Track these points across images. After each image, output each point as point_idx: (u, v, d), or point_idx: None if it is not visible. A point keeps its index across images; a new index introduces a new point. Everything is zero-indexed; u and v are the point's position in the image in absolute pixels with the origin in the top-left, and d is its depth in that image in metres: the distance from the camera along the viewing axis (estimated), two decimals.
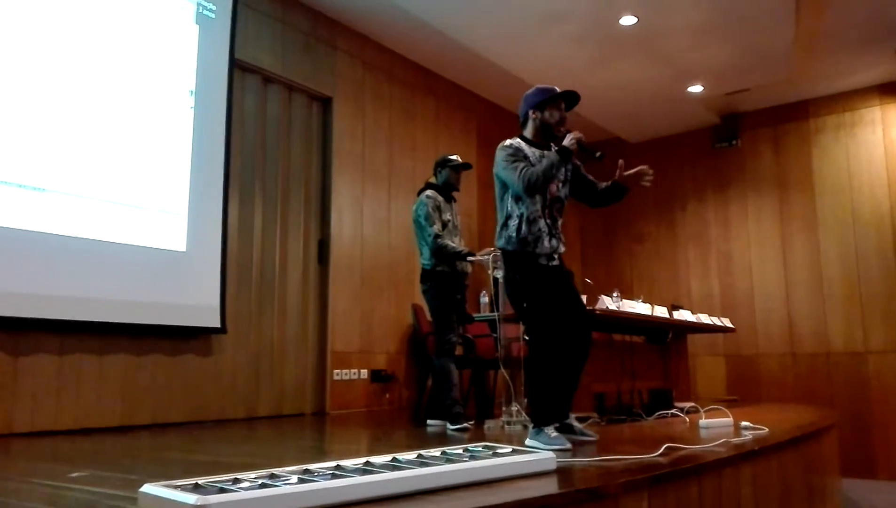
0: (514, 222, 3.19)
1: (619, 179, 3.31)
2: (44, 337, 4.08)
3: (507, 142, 3.29)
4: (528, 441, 3.01)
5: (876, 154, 7.35)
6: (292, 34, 5.73)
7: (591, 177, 3.44)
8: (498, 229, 3.28)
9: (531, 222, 3.18)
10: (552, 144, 3.30)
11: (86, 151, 4.27)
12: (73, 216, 4.16)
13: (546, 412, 3.04)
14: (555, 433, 2.99)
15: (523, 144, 3.29)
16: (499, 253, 4.26)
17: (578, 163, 3.42)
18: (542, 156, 3.23)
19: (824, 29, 6.22)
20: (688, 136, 8.57)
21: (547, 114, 3.30)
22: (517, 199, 3.21)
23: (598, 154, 3.26)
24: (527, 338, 3.30)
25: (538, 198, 3.21)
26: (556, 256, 3.26)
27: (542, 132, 3.33)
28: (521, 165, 3.15)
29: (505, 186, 3.26)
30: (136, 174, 4.52)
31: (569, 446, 2.93)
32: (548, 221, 3.23)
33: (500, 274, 4.30)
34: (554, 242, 3.24)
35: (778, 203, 7.88)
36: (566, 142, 3.19)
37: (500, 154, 3.26)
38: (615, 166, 3.33)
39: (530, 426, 3.11)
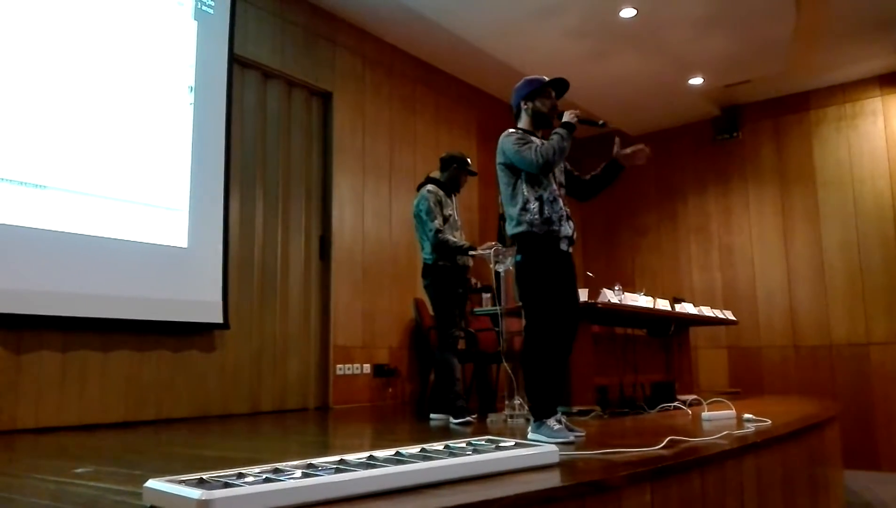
0: (534, 206, 3.15)
1: (616, 156, 3.38)
2: (47, 334, 4.09)
3: (511, 130, 3.30)
4: (530, 435, 3.01)
5: (877, 145, 7.34)
6: (291, 29, 5.72)
7: (576, 172, 3.51)
8: (514, 216, 3.20)
9: (552, 202, 3.20)
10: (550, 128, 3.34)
11: (86, 148, 4.27)
12: (75, 213, 4.17)
13: (546, 404, 3.04)
14: (557, 426, 2.98)
15: (526, 133, 3.31)
16: (500, 247, 4.31)
17: (568, 166, 3.48)
18: (542, 143, 3.23)
19: (824, 20, 6.20)
20: (688, 128, 8.55)
21: (539, 103, 3.33)
22: (532, 183, 3.19)
23: (600, 122, 3.41)
24: (524, 330, 3.26)
25: (552, 179, 3.25)
26: (573, 241, 3.27)
27: (536, 121, 3.35)
28: (534, 144, 3.17)
29: (516, 174, 3.22)
30: (136, 171, 4.52)
31: (571, 438, 2.93)
32: (564, 203, 3.28)
33: (501, 268, 4.32)
34: (572, 224, 3.27)
35: (779, 195, 7.87)
36: (567, 117, 3.27)
37: (506, 141, 3.24)
38: (612, 145, 3.38)
39: (531, 419, 3.12)
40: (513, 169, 3.23)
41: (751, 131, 8.13)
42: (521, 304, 3.34)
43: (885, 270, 7.12)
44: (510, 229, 3.25)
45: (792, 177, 7.81)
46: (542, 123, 3.35)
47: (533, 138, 3.25)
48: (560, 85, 3.37)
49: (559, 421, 3.03)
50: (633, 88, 7.47)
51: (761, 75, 7.27)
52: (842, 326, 7.29)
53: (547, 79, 3.35)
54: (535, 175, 3.19)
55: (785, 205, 7.82)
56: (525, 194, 3.18)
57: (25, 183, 3.97)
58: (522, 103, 3.36)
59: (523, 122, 3.37)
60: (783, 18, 6.00)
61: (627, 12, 5.90)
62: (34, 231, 3.98)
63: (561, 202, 3.25)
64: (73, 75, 4.25)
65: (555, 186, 3.26)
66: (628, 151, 3.36)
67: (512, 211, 3.22)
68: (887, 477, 6.57)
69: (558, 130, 3.21)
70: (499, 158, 3.29)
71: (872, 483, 6.19)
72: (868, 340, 7.12)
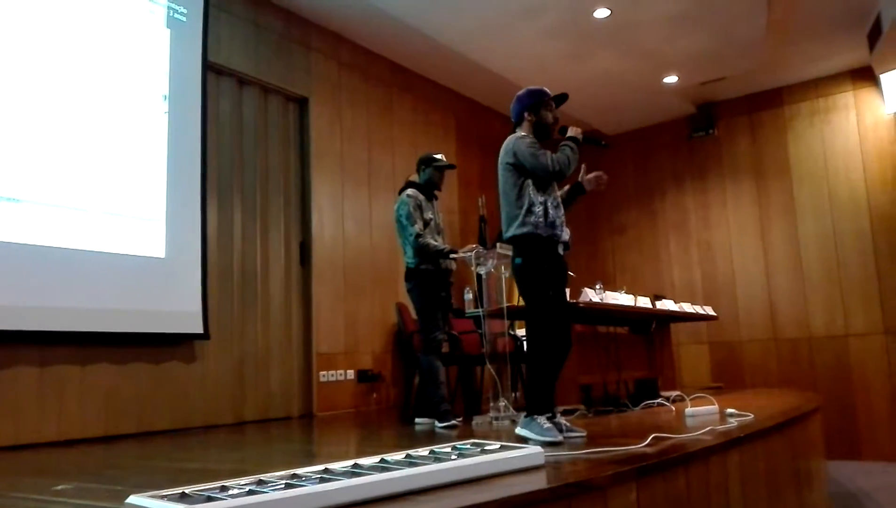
0: (539, 209, 3.22)
1: (582, 181, 3.58)
2: (24, 349, 4.02)
3: (522, 133, 3.37)
4: (518, 430, 3.02)
5: (850, 139, 7.43)
6: (265, 35, 5.68)
7: None
8: (519, 217, 3.24)
9: (556, 207, 3.30)
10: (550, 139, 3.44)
11: (61, 160, 4.21)
12: (50, 226, 4.10)
13: (543, 401, 3.07)
14: (547, 424, 2.99)
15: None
16: (481, 249, 4.31)
17: None
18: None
19: (796, 16, 6.27)
20: (665, 126, 8.62)
21: (542, 114, 3.41)
22: (539, 187, 3.26)
23: (602, 142, 3.59)
24: (526, 329, 3.33)
25: (555, 186, 3.35)
26: (568, 246, 3.36)
27: (538, 131, 3.40)
28: (548, 151, 3.25)
29: (523, 176, 3.27)
30: (112, 182, 4.46)
31: (560, 438, 2.94)
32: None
33: (483, 271, 4.32)
34: (568, 230, 3.36)
35: (756, 190, 7.95)
36: (572, 133, 3.38)
37: (520, 143, 3.29)
38: (613, 155, 3.48)
39: (522, 414, 3.13)
40: (521, 170, 3.28)
41: (726, 128, 8.21)
42: (524, 304, 3.38)
43: (861, 262, 7.21)
44: (511, 230, 3.27)
45: (768, 172, 7.89)
46: (543, 134, 3.41)
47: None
48: (560, 100, 3.45)
49: (552, 421, 3.04)
50: (610, 87, 7.51)
51: (735, 72, 7.34)
52: (820, 318, 7.37)
53: (548, 91, 3.44)
54: (543, 180, 3.28)
55: (761, 200, 7.90)
56: (531, 196, 3.24)
57: None
58: (526, 113, 3.42)
59: (525, 130, 3.42)
60: (756, 15, 6.07)
61: (602, 13, 5.93)
62: (9, 246, 3.91)
63: (562, 208, 3.37)
64: (46, 86, 4.19)
65: (557, 193, 3.36)
66: (591, 176, 3.55)
67: (515, 212, 3.26)
68: (869, 467, 6.65)
69: (569, 143, 3.32)
70: (507, 159, 3.32)
71: (854, 473, 6.26)
72: (846, 332, 7.21)
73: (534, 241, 3.22)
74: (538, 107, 3.40)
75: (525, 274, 3.25)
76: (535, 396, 3.09)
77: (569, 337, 3.31)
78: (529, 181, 3.25)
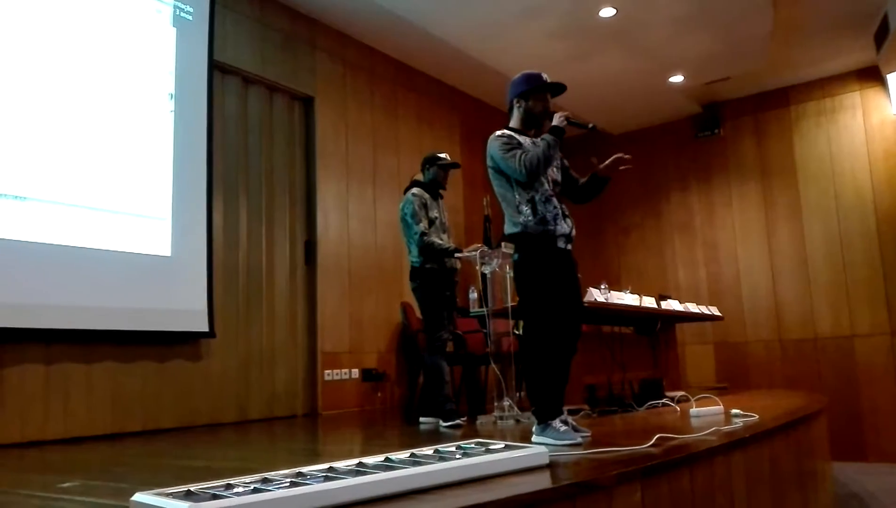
0: (527, 208, 3.13)
1: (598, 172, 3.32)
2: (30, 347, 4.04)
3: (498, 132, 3.26)
4: (535, 438, 2.94)
5: (857, 139, 7.41)
6: (271, 34, 5.69)
7: (575, 174, 3.44)
8: (508, 217, 3.19)
9: (545, 201, 3.16)
10: (541, 129, 3.31)
11: (67, 158, 4.23)
12: (56, 224, 4.12)
13: (551, 406, 2.99)
14: (564, 427, 2.92)
15: (514, 134, 3.26)
16: (486, 248, 4.31)
17: (566, 164, 3.43)
18: (534, 143, 3.20)
19: (802, 16, 6.25)
20: (670, 126, 8.60)
21: (531, 103, 3.29)
22: (523, 186, 3.16)
23: (590, 125, 3.31)
24: (521, 330, 3.25)
25: (543, 180, 3.20)
26: (571, 238, 3.23)
27: (527, 120, 3.31)
28: (519, 151, 3.14)
29: (505, 176, 3.20)
30: (118, 180, 4.48)
31: (579, 440, 2.87)
32: (558, 202, 3.23)
33: (487, 270, 4.32)
34: (569, 221, 3.23)
35: (761, 191, 7.93)
36: (556, 121, 3.22)
37: (493, 145, 3.21)
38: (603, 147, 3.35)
39: (535, 422, 3.04)
40: (503, 172, 3.20)
41: (732, 128, 8.19)
42: (520, 302, 3.30)
43: (867, 263, 7.19)
44: (507, 230, 3.22)
45: (774, 172, 7.87)
46: (533, 124, 3.32)
47: (521, 140, 3.21)
48: (557, 89, 3.32)
49: (565, 422, 2.97)
50: (615, 87, 7.50)
51: (741, 72, 7.32)
52: (826, 319, 7.35)
53: (546, 77, 3.29)
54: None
55: (767, 200, 7.88)
56: (517, 196, 3.16)
57: (5, 195, 3.92)
58: (515, 101, 3.32)
59: (515, 119, 3.33)
60: (762, 15, 6.05)
61: (607, 12, 5.92)
62: (15, 243, 3.93)
63: (555, 201, 3.20)
64: (52, 85, 4.21)
65: (547, 186, 3.21)
66: (607, 162, 3.29)
67: (507, 212, 3.21)
68: (874, 468, 6.63)
69: (546, 136, 3.17)
70: (488, 162, 3.26)
71: (859, 474, 6.24)
72: (852, 332, 7.19)
73: (525, 239, 3.14)
74: (528, 95, 3.29)
75: (519, 272, 3.18)
76: (543, 400, 3.01)
77: (575, 338, 3.19)
78: (513, 181, 3.18)
